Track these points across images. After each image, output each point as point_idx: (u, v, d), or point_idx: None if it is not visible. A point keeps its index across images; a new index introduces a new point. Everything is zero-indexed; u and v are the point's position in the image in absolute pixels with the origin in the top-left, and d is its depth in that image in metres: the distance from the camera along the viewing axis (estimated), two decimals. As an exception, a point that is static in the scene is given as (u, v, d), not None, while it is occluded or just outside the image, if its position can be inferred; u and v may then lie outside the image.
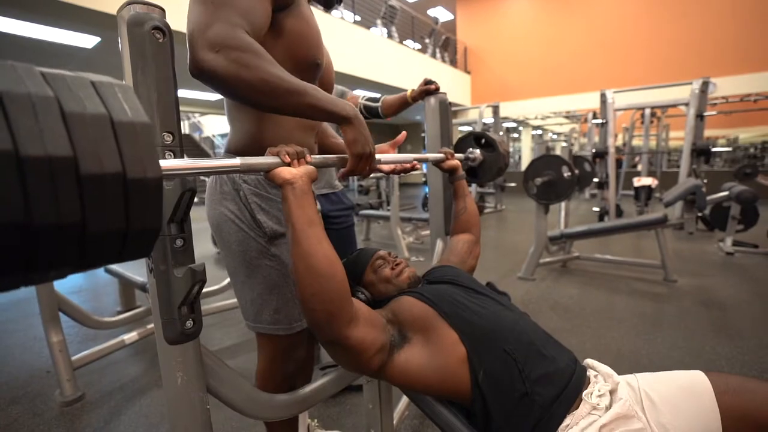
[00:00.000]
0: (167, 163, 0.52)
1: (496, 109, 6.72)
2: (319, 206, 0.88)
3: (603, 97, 5.09)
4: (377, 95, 1.64)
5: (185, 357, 0.68)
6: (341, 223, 1.60)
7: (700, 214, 4.41)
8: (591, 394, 0.71)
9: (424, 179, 6.78)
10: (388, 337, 0.75)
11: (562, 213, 3.74)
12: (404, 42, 9.06)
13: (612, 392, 0.73)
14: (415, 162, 1.06)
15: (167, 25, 0.60)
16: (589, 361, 0.84)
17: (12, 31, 4.42)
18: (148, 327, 1.98)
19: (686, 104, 4.63)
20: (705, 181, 4.06)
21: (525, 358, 0.72)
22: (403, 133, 1.19)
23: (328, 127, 1.13)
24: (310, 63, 0.83)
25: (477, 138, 1.46)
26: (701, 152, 4.38)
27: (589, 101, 9.09)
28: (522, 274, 3.14)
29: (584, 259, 3.37)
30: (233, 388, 0.81)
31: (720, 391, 0.68)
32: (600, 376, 0.78)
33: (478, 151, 1.41)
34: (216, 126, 13.59)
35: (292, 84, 0.65)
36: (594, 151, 5.10)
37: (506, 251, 4.16)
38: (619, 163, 5.26)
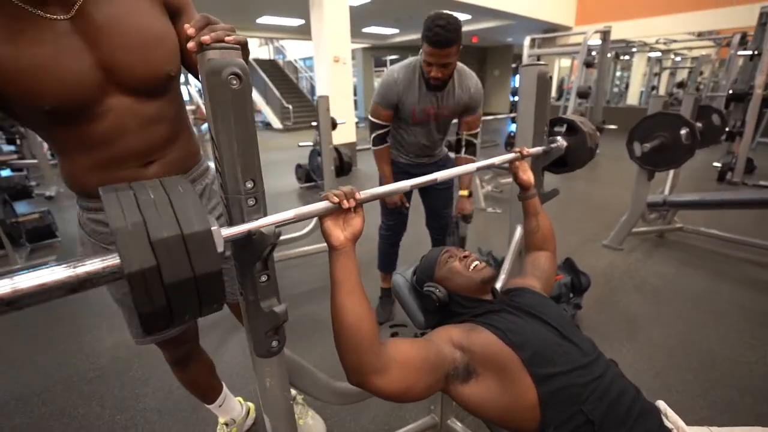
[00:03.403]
0: (227, 231, 0.58)
1: (606, 35, 5.68)
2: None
3: (765, 16, 3.93)
4: None
5: (272, 367, 0.77)
6: (443, 183, 1.73)
7: None
8: None
9: (512, 113, 6.13)
10: (442, 372, 0.76)
11: (671, 173, 3.23)
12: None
13: None
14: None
15: (244, 68, 0.57)
16: (661, 405, 0.78)
17: None
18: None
19: None
20: None
21: (602, 420, 0.69)
22: None
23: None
24: (38, 113, 0.69)
25: (555, 124, 1.30)
26: None
27: (736, 18, 7.21)
28: (608, 242, 2.88)
29: (688, 232, 2.96)
30: (311, 382, 0.92)
31: None
32: None
33: (560, 139, 1.25)
34: (298, 50, 13.56)
35: None
36: (731, 92, 4.17)
37: (594, 209, 3.81)
38: (765, 104, 4.04)
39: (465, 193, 1.78)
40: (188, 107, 5.70)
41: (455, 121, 1.75)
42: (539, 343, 0.77)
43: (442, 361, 0.76)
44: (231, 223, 0.63)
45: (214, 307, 0.54)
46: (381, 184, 1.77)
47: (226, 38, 0.57)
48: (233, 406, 1.39)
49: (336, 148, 3.81)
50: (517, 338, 0.77)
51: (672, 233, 3.05)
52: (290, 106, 10.90)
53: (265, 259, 0.67)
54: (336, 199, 0.69)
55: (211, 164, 0.81)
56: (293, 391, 1.43)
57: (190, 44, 0.56)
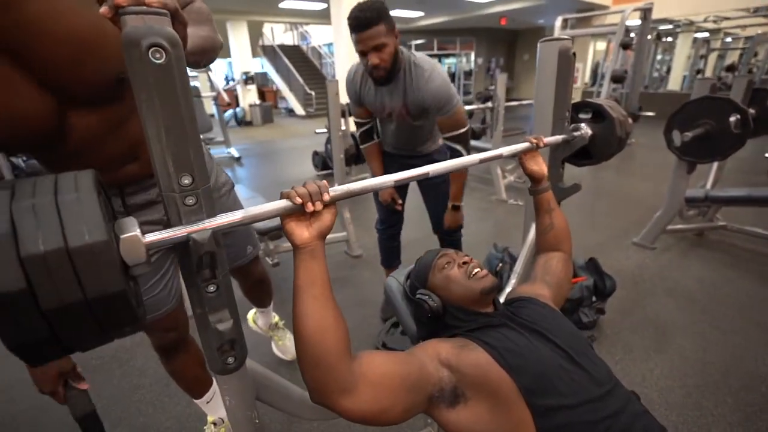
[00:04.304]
0: (152, 236, 0.48)
1: (646, 13, 5.23)
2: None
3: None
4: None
5: (230, 385, 0.69)
6: (437, 178, 1.58)
7: None
8: None
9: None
10: (421, 398, 0.65)
11: (714, 166, 2.93)
12: None
13: None
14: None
15: (173, 38, 0.46)
16: None
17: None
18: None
19: None
20: None
21: None
22: None
23: None
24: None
25: (579, 109, 1.14)
26: None
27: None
28: (639, 240, 2.66)
29: (732, 231, 2.68)
30: (283, 397, 0.83)
31: None
32: None
33: (584, 126, 1.09)
34: (323, 36, 13.40)
35: None
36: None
37: (625, 202, 3.54)
38: None
39: (457, 202, 1.60)
40: (209, 94, 5.74)
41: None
42: (541, 368, 0.66)
43: (425, 380, 0.66)
44: (168, 224, 0.53)
45: (127, 330, 0.45)
46: None
47: (148, 0, 0.46)
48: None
49: (352, 135, 3.70)
50: (515, 360, 0.66)
51: (713, 232, 2.78)
52: (313, 93, 10.81)
53: (212, 267, 0.57)
54: (299, 201, 0.58)
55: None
56: (275, 316, 1.43)
57: (103, 9, 0.46)
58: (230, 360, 0.65)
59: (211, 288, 0.58)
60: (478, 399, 0.65)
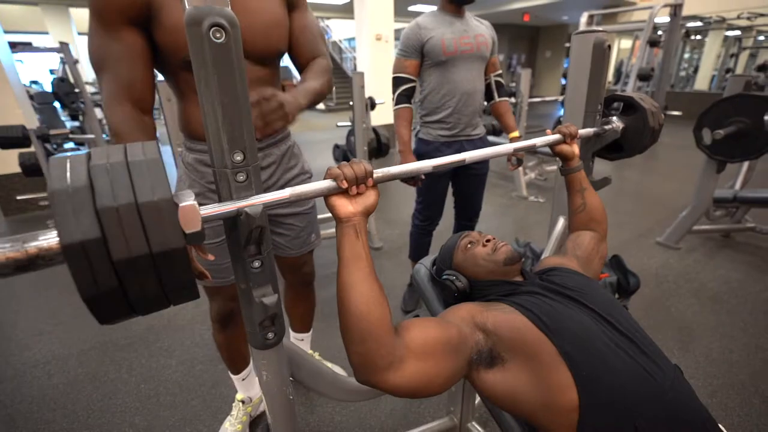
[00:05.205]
0: (207, 209, 0.50)
1: (677, 9, 5.08)
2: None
3: None
4: None
5: (269, 360, 0.70)
6: (480, 169, 1.75)
7: None
8: None
9: (562, 96, 5.68)
10: (464, 357, 0.64)
11: (744, 166, 2.85)
12: None
13: None
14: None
15: (232, 19, 0.48)
16: None
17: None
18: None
19: None
20: None
21: None
22: None
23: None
24: (181, 63, 0.86)
25: (618, 100, 1.13)
26: None
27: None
28: (663, 239, 2.61)
29: (761, 234, 2.60)
30: (315, 377, 0.85)
31: None
32: None
33: (615, 120, 1.08)
34: (344, 31, 13.41)
35: None
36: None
37: (650, 202, 3.47)
38: None
39: (515, 134, 1.73)
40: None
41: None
42: (582, 333, 0.63)
43: (464, 343, 0.64)
44: (220, 200, 0.56)
45: (185, 294, 0.47)
46: (397, 149, 1.72)
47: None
48: (254, 384, 1.38)
49: (374, 129, 3.70)
50: (554, 324, 0.63)
51: (741, 234, 2.71)
52: (333, 87, 10.87)
53: (258, 243, 0.59)
54: (345, 185, 0.60)
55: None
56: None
57: None
58: (270, 335, 0.67)
59: (257, 264, 0.60)
60: (516, 362, 0.63)
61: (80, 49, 9.24)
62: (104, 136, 5.44)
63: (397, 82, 1.60)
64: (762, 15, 8.07)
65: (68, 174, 0.39)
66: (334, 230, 2.56)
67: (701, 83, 11.11)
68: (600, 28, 1.11)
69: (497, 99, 1.72)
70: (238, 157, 0.54)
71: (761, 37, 10.39)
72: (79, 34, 10.06)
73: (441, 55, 1.53)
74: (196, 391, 1.53)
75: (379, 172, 0.65)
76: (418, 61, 1.57)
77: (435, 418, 1.29)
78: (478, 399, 1.25)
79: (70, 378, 1.61)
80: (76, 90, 4.77)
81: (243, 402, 1.36)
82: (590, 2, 8.13)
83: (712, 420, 0.60)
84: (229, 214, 0.53)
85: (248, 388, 1.37)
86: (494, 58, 1.68)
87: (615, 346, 0.62)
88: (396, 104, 1.62)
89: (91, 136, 5.21)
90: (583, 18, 5.46)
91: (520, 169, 3.72)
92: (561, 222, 1.29)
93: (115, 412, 1.45)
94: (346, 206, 0.62)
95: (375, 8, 5.34)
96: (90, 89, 5.36)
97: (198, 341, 1.81)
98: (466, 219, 1.88)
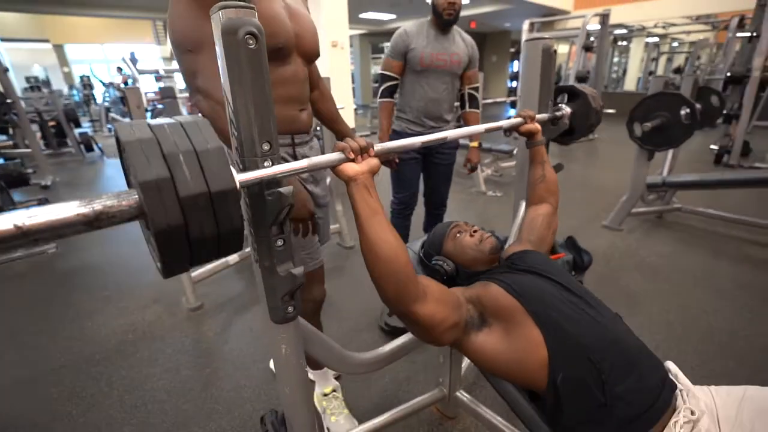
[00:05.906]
0: (242, 176, 0.56)
1: (605, 19, 5.64)
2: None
3: None
4: None
5: (288, 334, 0.78)
6: (445, 160, 1.94)
7: None
8: (676, 423, 0.69)
9: (511, 98, 6.11)
10: (462, 316, 0.79)
11: (669, 155, 3.25)
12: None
13: (695, 422, 0.70)
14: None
15: (260, 28, 0.57)
16: (670, 366, 0.80)
17: None
18: (246, 251, 2.25)
19: None
20: None
21: (610, 369, 0.71)
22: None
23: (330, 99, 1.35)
24: (269, 49, 0.95)
25: (563, 91, 1.32)
26: None
27: (734, 0, 7.16)
28: (608, 223, 2.91)
29: (686, 212, 2.99)
30: (325, 351, 0.93)
31: None
32: (685, 392, 0.75)
33: (564, 106, 1.26)
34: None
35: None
36: (729, 74, 4.17)
37: (593, 191, 3.83)
38: (762, 87, 4.04)
39: (475, 144, 1.99)
40: None
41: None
42: (544, 295, 0.79)
43: (461, 306, 0.80)
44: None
45: (233, 242, 0.52)
46: (379, 137, 1.89)
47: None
48: (330, 375, 1.46)
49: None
50: (522, 289, 0.79)
51: (670, 214, 3.08)
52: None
53: (281, 222, 0.67)
54: (351, 155, 0.71)
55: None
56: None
57: None
58: (290, 309, 0.74)
59: (279, 242, 0.68)
60: (498, 326, 0.78)
61: (9, 56, 8.49)
62: (41, 149, 5.03)
63: (383, 78, 1.84)
64: (673, 24, 9.09)
65: (135, 131, 0.46)
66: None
67: (630, 84, 12.25)
68: (547, 35, 1.29)
69: (467, 109, 1.94)
70: (266, 147, 0.62)
71: (675, 44, 11.67)
72: (3, 40, 9.24)
73: (417, 65, 1.75)
74: (186, 395, 1.53)
75: (378, 146, 0.76)
76: (402, 63, 1.79)
77: (425, 391, 1.40)
78: (463, 369, 1.37)
79: (44, 399, 1.54)
80: (8, 101, 4.41)
81: (327, 394, 1.41)
82: (530, 11, 8.73)
83: (647, 349, 0.78)
84: (257, 181, 0.58)
85: (328, 378, 1.44)
86: (471, 72, 1.86)
87: (569, 303, 0.79)
88: (380, 98, 1.85)
89: (27, 150, 4.83)
90: (525, 25, 5.90)
91: (478, 166, 3.97)
92: (522, 207, 1.45)
93: (100, 426, 1.42)
94: (353, 167, 0.72)
95: (330, 17, 5.45)
96: (23, 103, 4.93)
97: (180, 348, 1.80)
98: (434, 208, 2.07)
